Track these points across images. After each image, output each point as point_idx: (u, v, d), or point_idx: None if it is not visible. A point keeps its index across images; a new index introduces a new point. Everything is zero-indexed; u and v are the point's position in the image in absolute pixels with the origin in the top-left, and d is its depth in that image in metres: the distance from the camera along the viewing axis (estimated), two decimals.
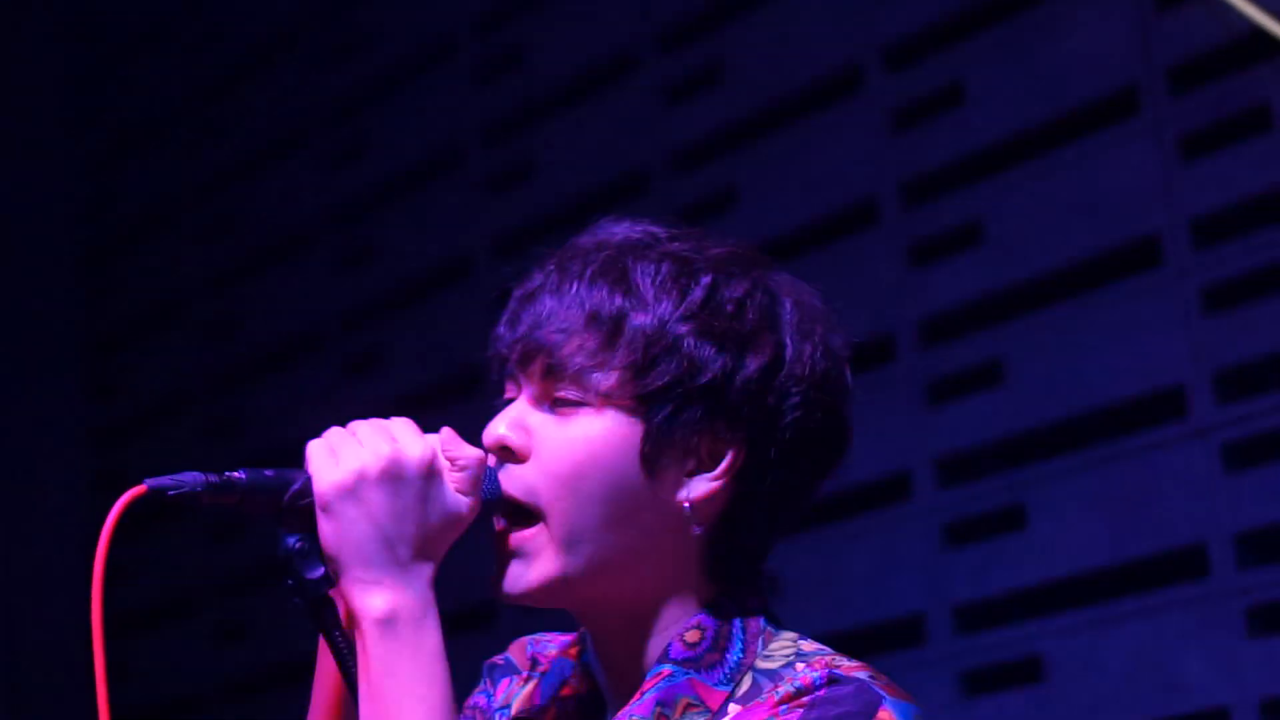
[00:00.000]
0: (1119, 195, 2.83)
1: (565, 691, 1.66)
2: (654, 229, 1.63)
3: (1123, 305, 2.81)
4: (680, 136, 3.40)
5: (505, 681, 1.74)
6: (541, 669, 1.71)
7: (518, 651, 1.77)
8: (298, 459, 1.54)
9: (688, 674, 1.57)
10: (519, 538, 1.57)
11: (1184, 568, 2.71)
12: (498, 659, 1.77)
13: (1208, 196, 2.73)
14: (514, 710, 1.69)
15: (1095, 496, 2.79)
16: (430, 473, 1.53)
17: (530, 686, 1.69)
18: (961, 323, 2.98)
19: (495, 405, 1.62)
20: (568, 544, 1.56)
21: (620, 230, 1.64)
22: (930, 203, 3.03)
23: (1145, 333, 2.77)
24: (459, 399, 3.47)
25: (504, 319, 1.63)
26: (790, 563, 3.02)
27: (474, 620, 3.38)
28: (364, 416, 1.57)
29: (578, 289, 1.59)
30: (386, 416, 1.57)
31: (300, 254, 4.13)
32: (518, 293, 1.63)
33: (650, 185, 3.42)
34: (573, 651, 1.69)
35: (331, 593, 1.54)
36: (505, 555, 1.58)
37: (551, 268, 1.62)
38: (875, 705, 1.50)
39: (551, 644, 1.75)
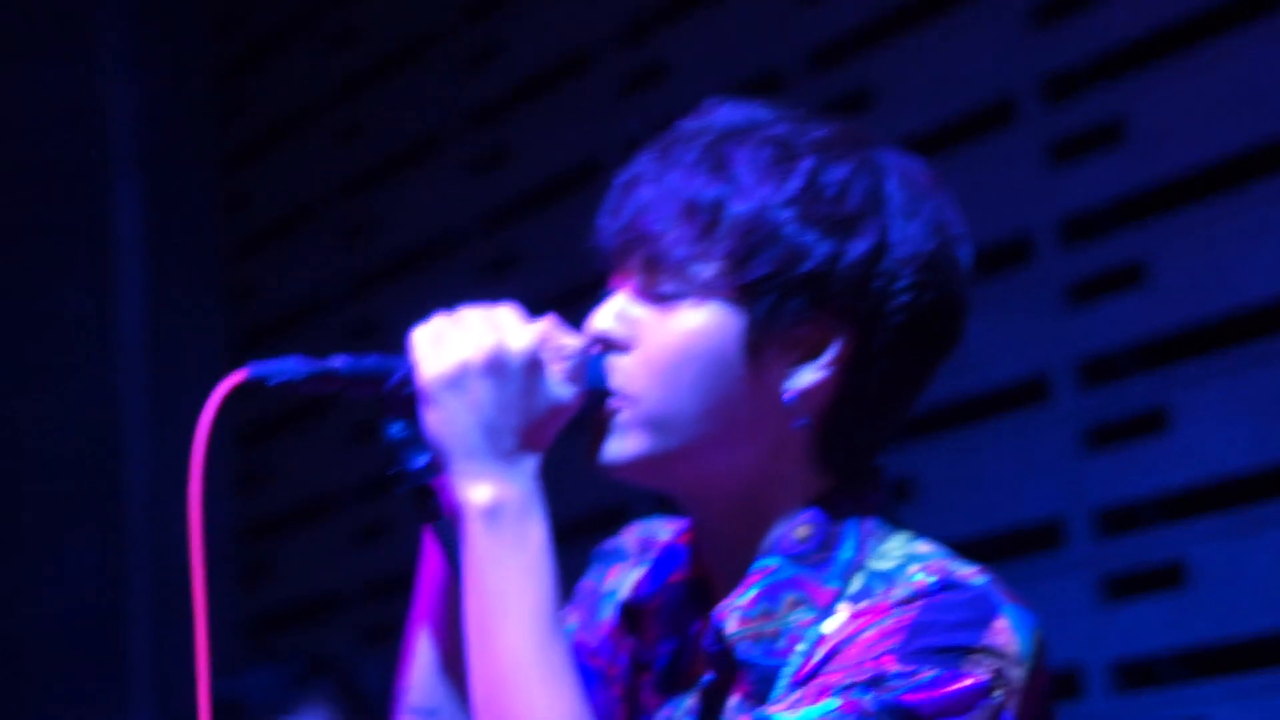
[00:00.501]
0: (1266, 92, 2.75)
1: (674, 578, 1.65)
2: (757, 112, 1.59)
3: (1267, 205, 2.74)
4: (812, 38, 3.35)
5: (616, 566, 1.73)
6: (652, 554, 1.70)
7: (629, 537, 1.76)
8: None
9: (796, 569, 1.55)
10: (615, 411, 1.55)
11: None
12: (607, 545, 1.76)
13: None
14: (621, 594, 1.69)
15: (1239, 399, 2.74)
16: (534, 363, 1.52)
17: (640, 571, 1.69)
18: (1102, 223, 2.92)
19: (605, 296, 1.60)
20: (660, 424, 1.54)
21: (723, 114, 1.60)
22: (1070, 100, 2.97)
23: None
24: (590, 303, 3.44)
25: (606, 207, 1.60)
26: (927, 465, 3.03)
27: (604, 522, 3.38)
28: None
29: (676, 177, 1.56)
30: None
31: (434, 157, 4.13)
32: (619, 181, 1.60)
33: (782, 85, 3.38)
34: (685, 537, 1.68)
35: (437, 482, 1.54)
36: (601, 427, 1.55)
37: (653, 154, 1.59)
38: (992, 613, 1.48)
39: (664, 529, 1.74)
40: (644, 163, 1.59)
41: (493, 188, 3.98)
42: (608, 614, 1.70)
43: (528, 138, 3.91)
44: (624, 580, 1.71)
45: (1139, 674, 2.83)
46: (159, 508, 4.32)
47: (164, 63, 4.58)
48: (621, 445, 1.56)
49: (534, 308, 1.58)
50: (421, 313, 1.55)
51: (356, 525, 4.20)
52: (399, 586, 3.98)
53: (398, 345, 1.55)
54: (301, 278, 4.45)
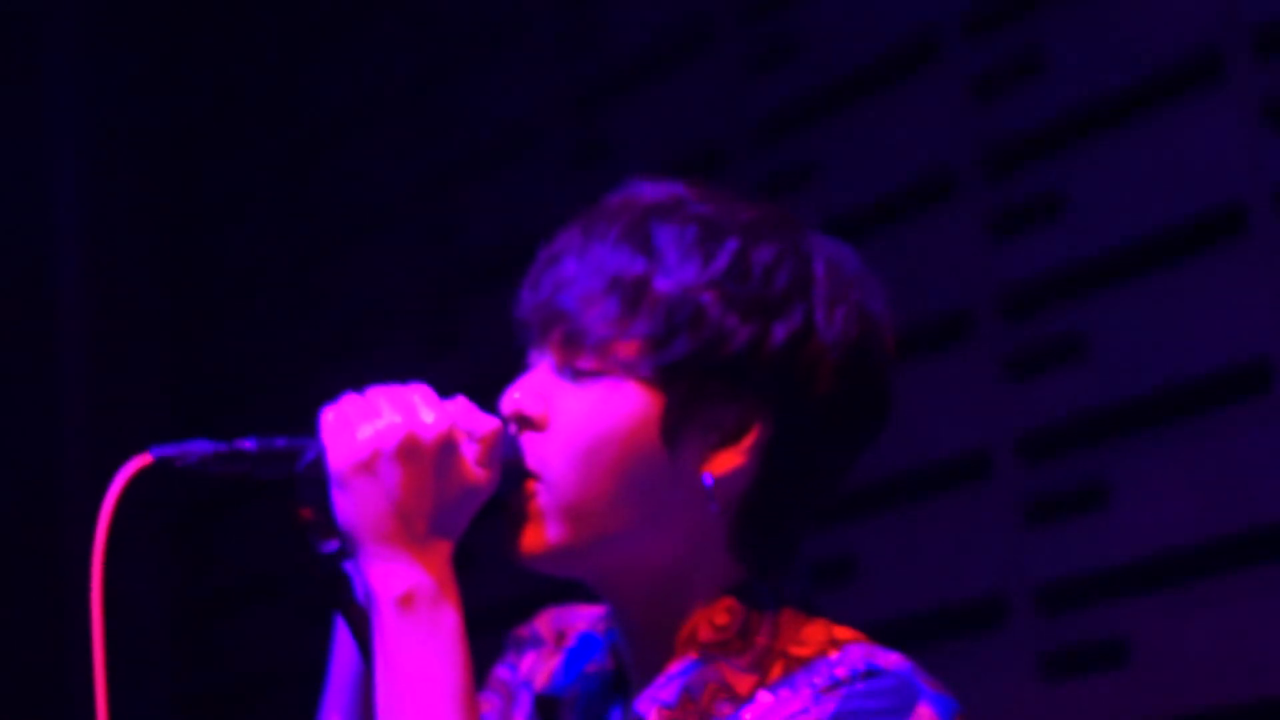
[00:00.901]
0: (1203, 164, 2.75)
1: (590, 668, 1.62)
2: (681, 190, 1.57)
3: (1208, 277, 2.73)
4: (758, 111, 3.34)
5: (531, 654, 1.70)
6: (568, 644, 1.67)
7: (544, 624, 1.73)
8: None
9: (715, 658, 1.52)
10: (530, 497, 1.52)
11: (1274, 547, 2.63)
12: (523, 631, 1.72)
13: None
14: (537, 685, 1.65)
15: (1180, 473, 2.72)
16: (447, 446, 1.49)
17: (555, 661, 1.65)
18: (1041, 295, 2.90)
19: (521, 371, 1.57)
20: (575, 513, 1.51)
21: (648, 191, 1.58)
22: (1010, 173, 2.96)
23: (1231, 305, 2.69)
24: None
25: (527, 281, 1.58)
26: (866, 542, 3.00)
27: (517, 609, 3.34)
28: None
29: (600, 252, 1.54)
30: None
31: (381, 229, 4.11)
32: (542, 254, 1.58)
33: (726, 160, 3.37)
34: (601, 626, 1.64)
35: (348, 566, 1.50)
36: (518, 517, 1.53)
37: (576, 229, 1.57)
38: (914, 699, 1.45)
39: (580, 617, 1.70)
40: (568, 238, 1.57)
41: (439, 260, 3.95)
42: (523, 704, 1.67)
43: (475, 211, 3.89)
44: (539, 669, 1.68)
45: None
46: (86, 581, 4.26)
47: (110, 129, 4.57)
48: (537, 536, 1.52)
49: (479, 382, 1.55)
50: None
51: (300, 605, 4.15)
52: None
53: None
54: (246, 351, 4.42)
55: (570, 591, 1.65)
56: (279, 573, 4.21)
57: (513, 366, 3.72)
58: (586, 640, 1.65)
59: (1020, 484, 2.88)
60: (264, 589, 4.26)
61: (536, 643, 1.71)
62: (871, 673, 1.46)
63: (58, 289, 4.43)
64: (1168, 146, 2.78)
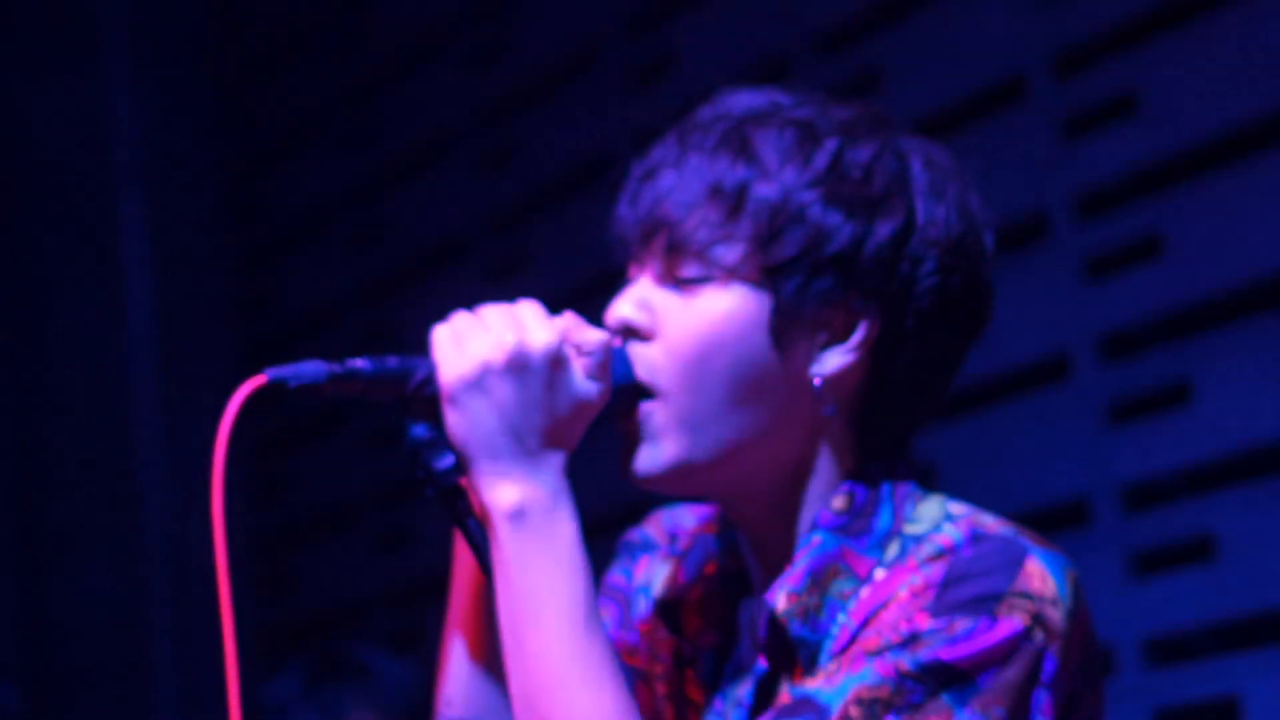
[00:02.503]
0: (1277, 60, 2.73)
1: (709, 569, 1.63)
2: (777, 97, 1.57)
3: None
4: (821, 21, 3.33)
5: (645, 559, 1.71)
6: (682, 545, 1.68)
7: (655, 527, 1.73)
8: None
9: (839, 541, 1.53)
10: (643, 417, 1.53)
11: None
12: (634, 535, 1.73)
13: None
14: (656, 590, 1.66)
15: (1262, 369, 2.71)
16: (556, 360, 1.49)
17: (672, 565, 1.66)
18: (1117, 196, 2.89)
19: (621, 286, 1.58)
20: (692, 425, 1.52)
21: (742, 100, 1.58)
22: (1081, 75, 2.95)
23: None
24: (603, 300, 3.42)
25: (624, 197, 1.58)
26: (948, 447, 3.00)
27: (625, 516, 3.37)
28: None
29: (698, 161, 1.54)
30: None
31: (443, 159, 4.11)
32: (638, 170, 1.58)
33: (791, 69, 3.36)
34: (712, 527, 1.66)
35: (464, 481, 1.51)
36: (632, 436, 1.54)
37: (672, 141, 1.57)
38: (1021, 556, 1.47)
39: (689, 516, 1.71)
40: (663, 151, 1.57)
41: (502, 187, 3.96)
42: (642, 609, 1.68)
43: (536, 135, 3.89)
44: (655, 574, 1.69)
45: (1170, 649, 2.81)
46: (175, 521, 4.30)
47: (169, 74, 4.57)
48: (655, 454, 1.53)
49: (547, 306, 1.56)
50: (434, 316, 1.53)
51: (377, 532, 4.18)
52: (421, 593, 3.99)
53: (411, 350, 1.53)
54: (312, 286, 4.44)
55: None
56: (353, 503, 4.24)
57: (581, 288, 3.74)
58: (701, 541, 1.66)
59: (1101, 384, 2.89)
60: (338, 520, 4.30)
61: (649, 547, 1.72)
62: (976, 538, 1.48)
63: (122, 230, 4.46)
64: (1241, 42, 2.76)
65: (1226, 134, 2.78)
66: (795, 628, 1.50)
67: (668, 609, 1.63)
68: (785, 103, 1.57)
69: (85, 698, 4.21)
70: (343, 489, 4.27)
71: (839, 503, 1.54)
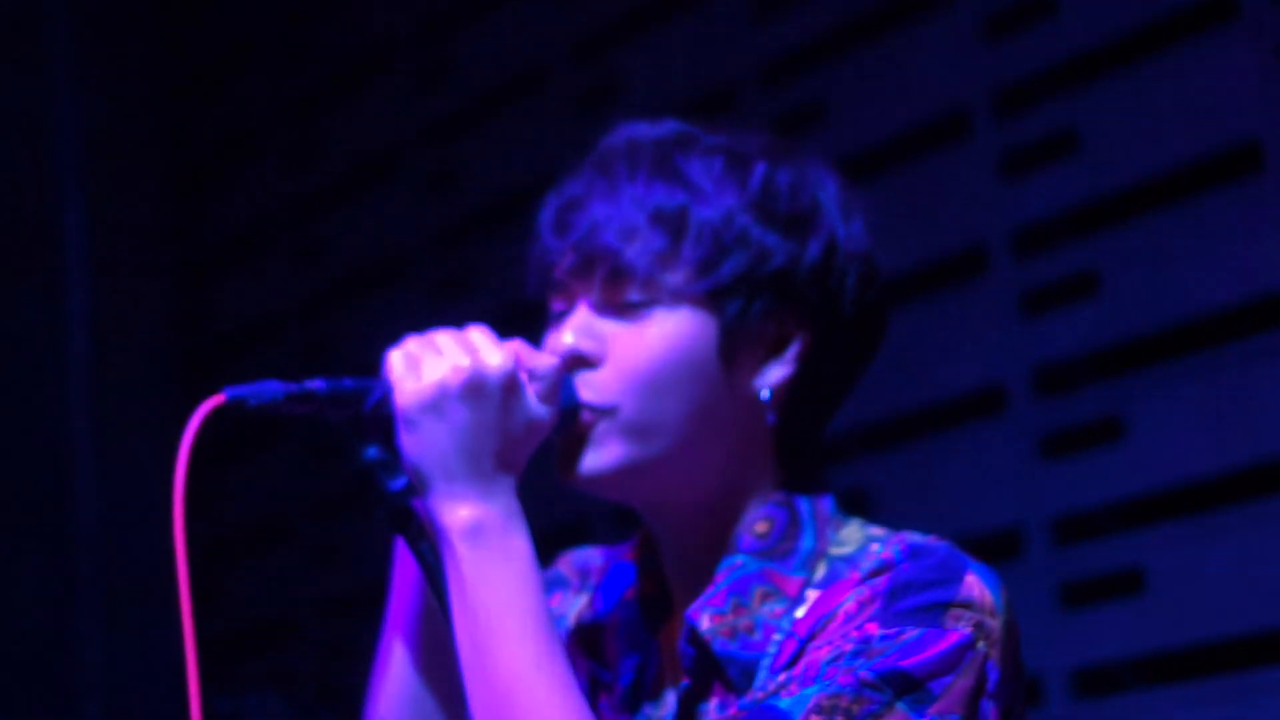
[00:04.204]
0: (1215, 102, 2.78)
1: (628, 595, 1.67)
2: (682, 126, 1.63)
3: (1217, 214, 2.76)
4: (767, 52, 3.36)
5: (557, 594, 1.75)
6: (593, 580, 1.71)
7: (565, 565, 1.78)
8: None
9: (761, 564, 1.57)
10: (590, 427, 1.56)
11: None
12: (546, 573, 1.76)
13: None
14: (572, 619, 1.70)
15: (1194, 406, 2.76)
16: (511, 384, 1.54)
17: (586, 596, 1.70)
18: (1055, 232, 2.94)
19: (549, 318, 1.61)
20: (642, 434, 1.57)
21: (649, 130, 1.64)
22: (1023, 112, 2.99)
23: (1243, 240, 2.73)
24: (544, 322, 3.44)
25: (547, 229, 1.62)
26: (884, 475, 3.03)
27: (564, 535, 3.38)
28: None
29: (631, 190, 1.59)
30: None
31: (385, 177, 4.12)
32: (556, 202, 1.62)
33: (735, 99, 3.39)
34: (630, 555, 1.69)
35: (415, 503, 1.54)
36: (575, 442, 1.57)
37: (592, 173, 1.61)
38: (962, 568, 1.51)
39: (596, 556, 1.75)
40: (584, 182, 1.61)
41: (444, 208, 3.97)
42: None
43: (479, 157, 3.91)
44: (570, 606, 1.72)
45: (1098, 680, 2.84)
46: (107, 527, 4.29)
47: (111, 83, 4.56)
48: (600, 456, 1.57)
49: (489, 328, 1.58)
50: (373, 334, 1.56)
51: (310, 546, 4.18)
52: (355, 606, 3.98)
53: (352, 368, 1.56)
54: (252, 300, 4.44)
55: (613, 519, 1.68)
56: (289, 516, 4.24)
57: (521, 310, 3.75)
58: (618, 569, 1.70)
59: (1035, 418, 2.92)
60: (274, 533, 4.30)
61: (561, 583, 1.75)
62: (916, 552, 1.52)
63: (62, 241, 4.44)
64: (1181, 84, 2.81)
65: (1164, 175, 2.83)
66: (720, 644, 1.54)
67: (585, 634, 1.67)
68: (697, 131, 1.63)
69: (11, 707, 4.18)
70: (277, 502, 4.27)
71: (761, 528, 1.59)
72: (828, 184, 1.63)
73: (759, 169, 1.60)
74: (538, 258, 1.64)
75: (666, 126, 1.64)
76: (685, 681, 1.57)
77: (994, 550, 2.91)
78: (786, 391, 1.60)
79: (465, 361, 1.52)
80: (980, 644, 1.49)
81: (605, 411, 1.57)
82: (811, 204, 1.61)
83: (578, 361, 1.59)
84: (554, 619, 1.53)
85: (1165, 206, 2.82)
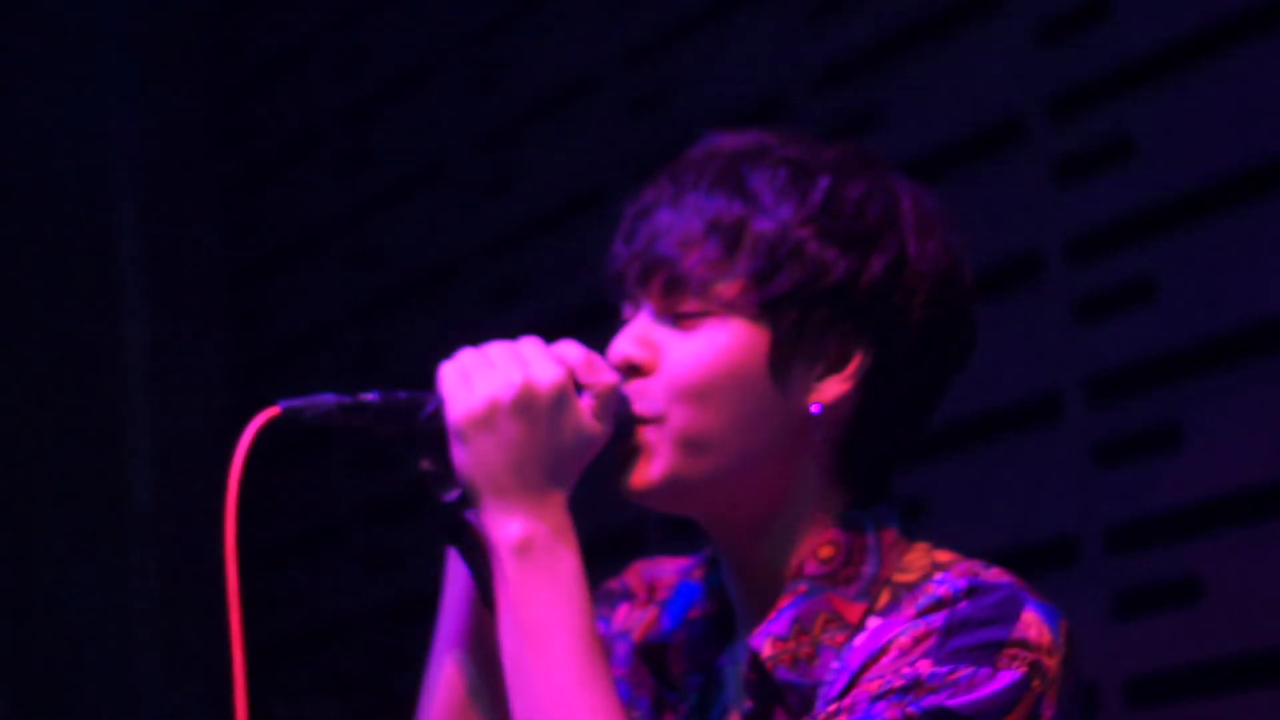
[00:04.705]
0: (1273, 108, 2.76)
1: (694, 614, 1.67)
2: (763, 137, 1.63)
3: (1275, 220, 2.75)
4: (821, 58, 3.36)
5: (624, 607, 1.75)
6: (661, 596, 1.72)
7: (634, 577, 1.77)
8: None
9: (824, 589, 1.57)
10: (641, 438, 1.57)
11: None
12: (613, 584, 1.77)
13: None
14: (636, 636, 1.70)
15: (1250, 414, 2.74)
16: (563, 399, 1.54)
17: (652, 612, 1.70)
18: (1110, 239, 2.93)
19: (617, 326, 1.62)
20: (692, 446, 1.57)
21: (730, 140, 1.63)
22: (1078, 118, 2.98)
23: None
24: (597, 328, 3.44)
25: (619, 236, 1.63)
26: (939, 484, 3.03)
27: (619, 544, 3.39)
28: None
29: (694, 199, 1.59)
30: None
31: (440, 182, 4.14)
32: (631, 210, 1.63)
33: (789, 107, 3.39)
34: (698, 574, 1.70)
35: (469, 515, 1.55)
36: (629, 452, 1.58)
37: (665, 181, 1.62)
38: (1019, 608, 1.50)
39: (667, 569, 1.75)
40: (656, 191, 1.62)
41: (499, 213, 3.98)
42: (620, 655, 1.71)
43: (533, 162, 3.92)
44: (634, 620, 1.72)
45: (1154, 690, 2.83)
46: (163, 533, 4.32)
47: (167, 86, 4.59)
48: (651, 469, 1.57)
49: (542, 334, 1.59)
50: (426, 339, 1.57)
51: (364, 551, 4.20)
52: (408, 613, 4.00)
53: (404, 372, 1.56)
54: (306, 304, 4.46)
55: (670, 529, 1.68)
56: (344, 520, 4.26)
57: (575, 315, 3.75)
58: (685, 588, 1.70)
59: (1090, 426, 2.91)
60: (329, 537, 4.31)
61: (628, 595, 1.75)
62: (974, 589, 1.51)
63: (118, 246, 4.47)
64: (1236, 90, 2.80)
65: (1220, 180, 2.82)
66: (782, 673, 1.54)
67: (651, 652, 1.67)
68: (774, 142, 1.62)
69: (70, 711, 4.21)
70: (333, 506, 4.29)
71: (825, 551, 1.58)
72: (903, 199, 1.60)
73: (823, 181, 1.58)
74: (610, 264, 1.65)
75: (747, 137, 1.63)
76: (748, 705, 1.57)
77: (1049, 559, 2.91)
78: (846, 409, 1.59)
79: (517, 377, 1.52)
80: (1035, 683, 1.48)
81: (653, 420, 1.57)
82: (881, 219, 1.58)
83: (632, 370, 1.59)
84: (601, 639, 1.53)
85: (1220, 213, 2.81)
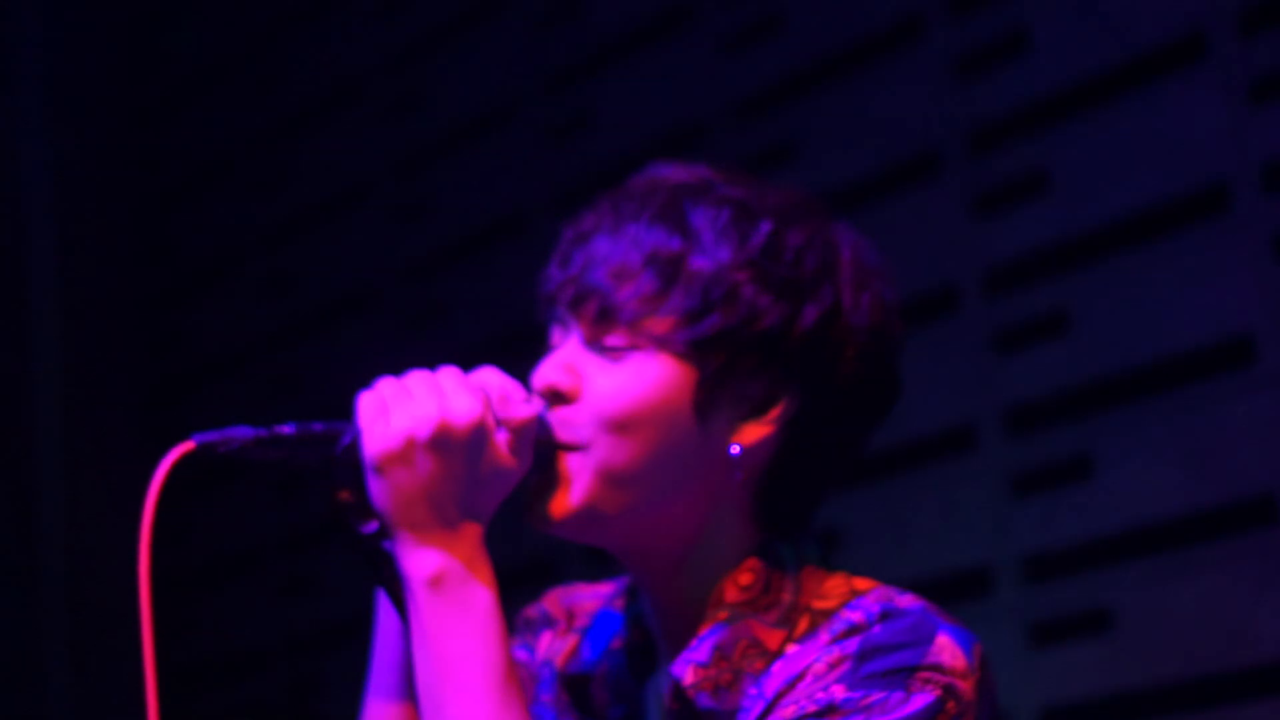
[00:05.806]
0: (1187, 142, 2.79)
1: (616, 644, 1.66)
2: (708, 173, 1.62)
3: (1191, 253, 2.77)
4: (740, 89, 3.37)
5: (546, 634, 1.74)
6: (580, 623, 1.71)
7: (552, 604, 1.77)
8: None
9: (744, 616, 1.57)
10: (564, 463, 1.56)
11: (1255, 517, 2.68)
12: (532, 611, 1.77)
13: (1277, 141, 2.69)
14: (558, 664, 1.69)
15: (1163, 446, 2.77)
16: (480, 434, 1.52)
17: (572, 640, 1.69)
18: (1026, 271, 2.95)
19: (544, 349, 1.61)
20: (612, 478, 1.56)
21: (674, 173, 1.63)
22: (994, 151, 3.00)
23: (1214, 280, 2.74)
24: (516, 353, 3.43)
25: (555, 259, 1.62)
26: (856, 514, 3.03)
27: (533, 574, 3.37)
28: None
29: (634, 230, 1.58)
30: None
31: (356, 208, 4.12)
32: (570, 233, 1.62)
33: (708, 137, 3.39)
34: (619, 603, 1.69)
35: (387, 546, 1.54)
36: (547, 481, 1.57)
37: (605, 208, 1.61)
38: (932, 632, 1.51)
39: (585, 596, 1.75)
40: (596, 217, 1.61)
41: (418, 238, 3.97)
42: (546, 684, 1.70)
43: (452, 188, 3.91)
44: (556, 649, 1.71)
45: (1068, 718, 2.85)
46: (75, 564, 4.27)
47: (82, 110, 4.55)
48: (570, 498, 1.56)
49: (460, 360, 1.58)
50: (344, 363, 1.55)
51: (280, 579, 4.17)
52: (325, 641, 3.97)
53: (321, 398, 1.55)
54: (222, 328, 4.42)
55: (584, 560, 1.67)
56: (259, 549, 4.22)
57: (492, 341, 3.72)
58: (605, 617, 1.69)
59: (1006, 456, 2.93)
60: (244, 565, 4.28)
61: (549, 622, 1.75)
62: (887, 614, 1.52)
63: (30, 271, 4.42)
64: (1151, 124, 2.82)
65: (1134, 214, 2.84)
66: (703, 700, 1.54)
67: (573, 684, 1.66)
68: (719, 179, 1.61)
69: None
70: (249, 534, 4.25)
71: (745, 579, 1.58)
72: (843, 251, 1.60)
73: (765, 226, 1.58)
74: (542, 285, 1.64)
75: (691, 171, 1.63)
76: None
77: (964, 589, 2.93)
78: (766, 452, 1.59)
79: (434, 411, 1.51)
80: (950, 706, 1.48)
81: (577, 448, 1.56)
82: (818, 269, 1.58)
83: (555, 397, 1.58)
84: (526, 667, 1.53)
85: (1135, 246, 2.83)
